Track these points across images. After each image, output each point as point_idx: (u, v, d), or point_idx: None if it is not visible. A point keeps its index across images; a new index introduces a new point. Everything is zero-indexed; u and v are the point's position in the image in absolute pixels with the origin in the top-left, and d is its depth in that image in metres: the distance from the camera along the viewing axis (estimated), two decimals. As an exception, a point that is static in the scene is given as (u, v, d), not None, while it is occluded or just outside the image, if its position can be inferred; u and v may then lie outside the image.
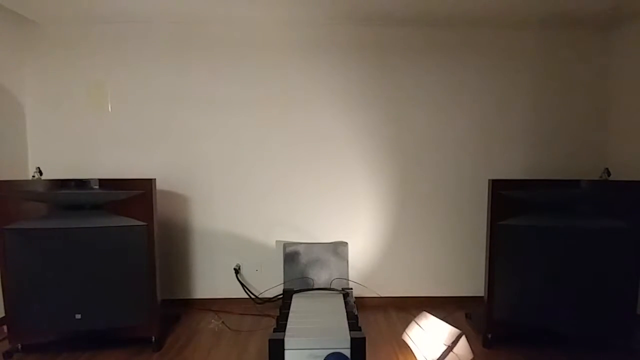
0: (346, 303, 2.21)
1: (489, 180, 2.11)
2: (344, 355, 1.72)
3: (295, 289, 2.43)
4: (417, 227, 2.75)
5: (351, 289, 2.50)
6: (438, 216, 2.74)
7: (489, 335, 2.14)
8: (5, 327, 2.05)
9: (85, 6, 2.34)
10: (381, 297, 2.77)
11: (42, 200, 2.02)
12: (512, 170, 2.72)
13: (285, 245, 2.65)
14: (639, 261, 1.97)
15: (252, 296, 2.76)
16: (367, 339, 1.77)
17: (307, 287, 2.50)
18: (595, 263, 1.98)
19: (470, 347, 1.86)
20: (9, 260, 1.96)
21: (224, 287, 2.75)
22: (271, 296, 2.75)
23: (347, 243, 2.68)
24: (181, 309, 2.68)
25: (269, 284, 2.75)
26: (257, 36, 2.63)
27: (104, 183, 2.06)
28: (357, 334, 1.78)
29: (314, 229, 2.74)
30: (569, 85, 2.70)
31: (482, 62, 2.67)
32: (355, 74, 2.66)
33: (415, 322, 1.96)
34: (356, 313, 2.10)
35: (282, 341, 1.74)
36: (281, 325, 1.91)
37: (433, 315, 1.95)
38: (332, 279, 2.60)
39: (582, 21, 2.56)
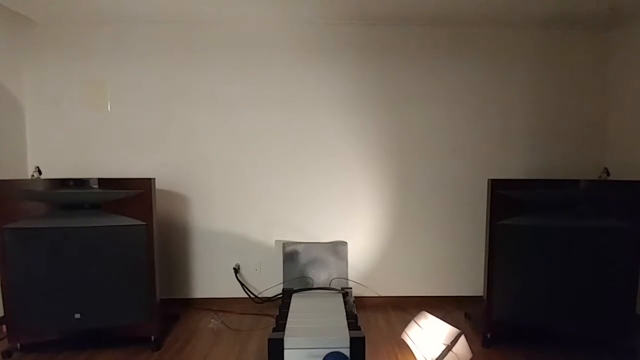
0: (345, 302, 2.21)
1: (488, 179, 2.11)
2: (344, 354, 1.72)
3: (294, 289, 2.43)
4: (416, 227, 2.75)
5: (350, 288, 2.50)
6: (437, 216, 2.74)
7: (488, 335, 2.14)
8: (4, 326, 2.05)
9: (85, 6, 2.34)
10: (380, 297, 2.77)
11: (41, 200, 2.02)
12: (511, 169, 2.72)
13: (285, 244, 2.65)
14: (638, 261, 1.97)
15: (252, 296, 2.76)
16: (366, 338, 1.77)
17: (306, 287, 2.50)
18: (594, 263, 1.98)
19: (470, 346, 1.86)
20: (8, 259, 1.96)
21: (223, 287, 2.75)
22: (271, 296, 2.75)
23: (346, 243, 2.68)
24: (180, 309, 2.68)
25: (269, 284, 2.75)
26: (257, 36, 2.63)
27: (103, 182, 2.06)
28: (356, 334, 1.78)
29: (313, 228, 2.74)
30: (569, 85, 2.70)
31: (482, 62, 2.67)
32: (355, 74, 2.66)
33: (415, 321, 1.96)
34: (355, 312, 2.09)
35: (282, 340, 1.74)
36: (280, 324, 1.91)
37: (432, 314, 1.96)
38: (332, 278, 2.60)
39: (582, 21, 2.56)
